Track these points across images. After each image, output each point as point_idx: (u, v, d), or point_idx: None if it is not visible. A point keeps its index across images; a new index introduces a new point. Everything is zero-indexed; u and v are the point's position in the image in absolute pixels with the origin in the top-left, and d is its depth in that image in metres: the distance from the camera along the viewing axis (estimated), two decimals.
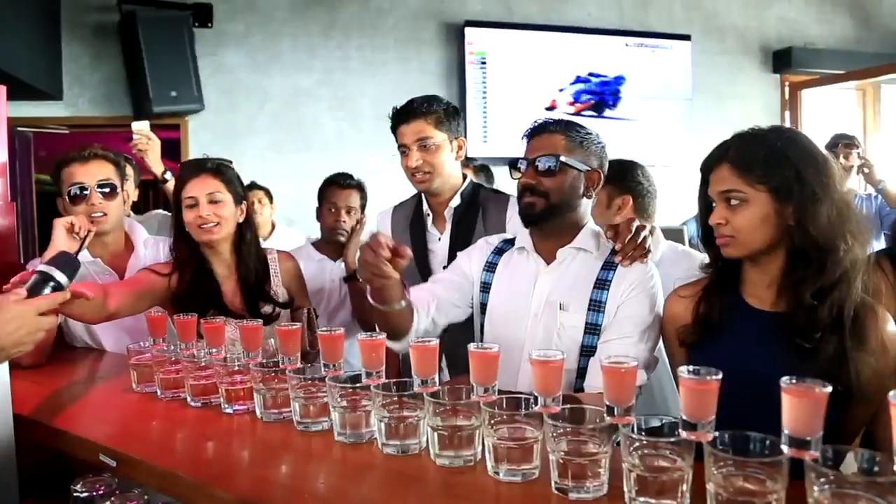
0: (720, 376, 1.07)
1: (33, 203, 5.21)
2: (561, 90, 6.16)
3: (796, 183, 1.51)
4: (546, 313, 1.88)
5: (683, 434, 1.08)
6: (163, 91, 5.01)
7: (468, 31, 5.95)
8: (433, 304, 1.96)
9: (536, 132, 1.94)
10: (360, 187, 3.45)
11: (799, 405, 0.99)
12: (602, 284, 1.85)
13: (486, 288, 2.02)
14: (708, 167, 1.65)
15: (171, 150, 5.39)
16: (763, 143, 1.57)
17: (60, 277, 1.61)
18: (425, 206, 2.45)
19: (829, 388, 0.98)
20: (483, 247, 2.10)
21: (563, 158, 1.86)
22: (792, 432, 1.00)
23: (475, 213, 2.39)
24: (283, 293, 2.39)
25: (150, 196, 5.17)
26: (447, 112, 2.36)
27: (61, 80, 5.22)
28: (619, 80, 6.34)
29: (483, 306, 2.02)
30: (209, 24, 5.40)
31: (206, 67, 5.36)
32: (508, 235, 2.12)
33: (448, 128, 2.35)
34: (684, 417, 1.09)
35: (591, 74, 6.27)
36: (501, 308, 1.98)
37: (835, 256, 1.49)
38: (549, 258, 1.93)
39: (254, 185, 4.01)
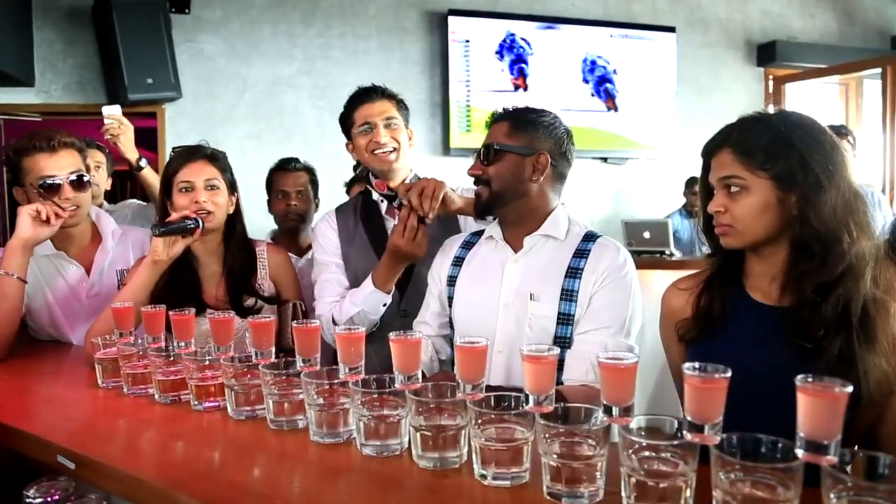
0: (728, 374, 0.99)
1: (4, 192, 5.08)
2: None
3: (800, 170, 1.42)
4: (516, 303, 1.83)
5: (688, 436, 1.00)
6: (138, 78, 4.90)
7: (451, 19, 5.87)
8: (429, 349, 1.98)
9: (490, 124, 1.94)
10: (307, 170, 3.43)
11: (816, 406, 0.91)
12: (574, 273, 1.80)
13: (451, 281, 1.98)
14: (709, 152, 1.56)
15: (148, 138, 5.27)
16: (767, 127, 1.48)
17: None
18: (375, 195, 2.38)
19: (850, 388, 0.90)
20: (447, 247, 2.07)
21: (497, 145, 1.84)
22: (808, 435, 0.91)
23: None
24: (270, 286, 2.31)
25: (124, 187, 5.04)
26: (403, 102, 2.38)
27: (33, 66, 5.09)
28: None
29: (450, 299, 1.97)
30: (186, 10, 5.29)
31: (183, 54, 5.25)
32: (475, 229, 2.09)
33: (405, 115, 2.36)
34: (689, 418, 1.01)
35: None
36: (468, 299, 1.93)
37: (838, 249, 1.40)
38: (517, 247, 1.89)
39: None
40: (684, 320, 1.62)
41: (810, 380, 0.92)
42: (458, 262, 1.99)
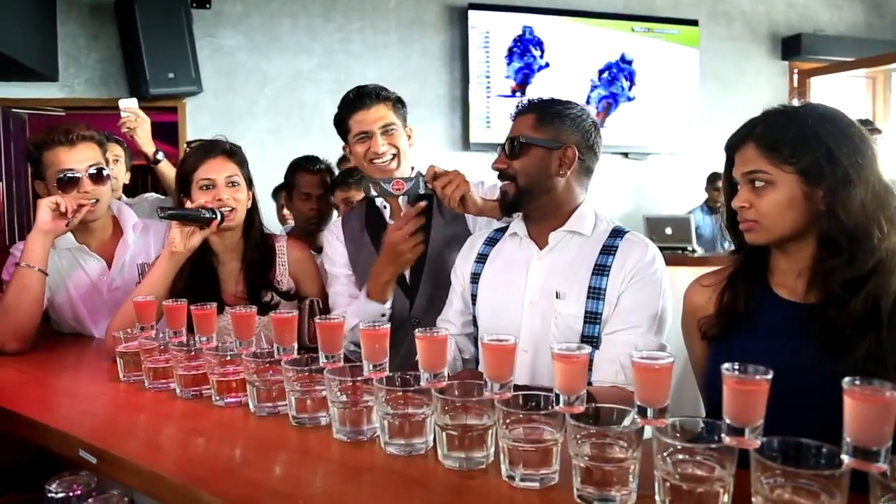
0: (770, 376, 0.95)
1: (29, 185, 5.12)
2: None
3: (828, 164, 1.38)
4: (542, 301, 1.78)
5: (727, 440, 0.97)
6: (160, 73, 4.93)
7: (472, 13, 5.84)
8: (452, 348, 1.93)
9: (514, 116, 1.89)
10: (329, 170, 3.35)
11: (865, 410, 0.86)
12: (601, 270, 1.75)
13: (475, 279, 1.94)
14: (733, 146, 1.53)
15: (169, 133, 5.30)
16: (793, 120, 1.44)
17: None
18: (380, 200, 2.33)
19: None
20: (469, 245, 2.03)
21: (522, 138, 1.79)
22: (856, 441, 0.87)
23: (430, 199, 2.27)
24: (289, 282, 2.29)
25: (144, 181, 5.05)
26: (399, 99, 2.29)
27: (57, 61, 5.14)
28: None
29: (474, 297, 1.94)
30: (207, 5, 5.32)
31: (203, 49, 5.27)
32: (485, 227, 2.06)
33: (402, 115, 2.28)
34: (728, 421, 0.97)
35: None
36: (492, 297, 1.89)
37: (868, 245, 1.37)
38: (542, 243, 1.85)
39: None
40: (707, 317, 1.58)
41: (858, 382, 0.88)
42: (481, 259, 1.95)
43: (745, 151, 1.48)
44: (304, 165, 3.32)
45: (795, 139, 1.41)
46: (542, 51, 6.01)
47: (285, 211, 3.93)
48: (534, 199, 1.81)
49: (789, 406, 1.20)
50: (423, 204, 2.03)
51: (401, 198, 2.24)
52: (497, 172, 1.87)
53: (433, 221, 2.25)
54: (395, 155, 2.22)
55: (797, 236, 1.45)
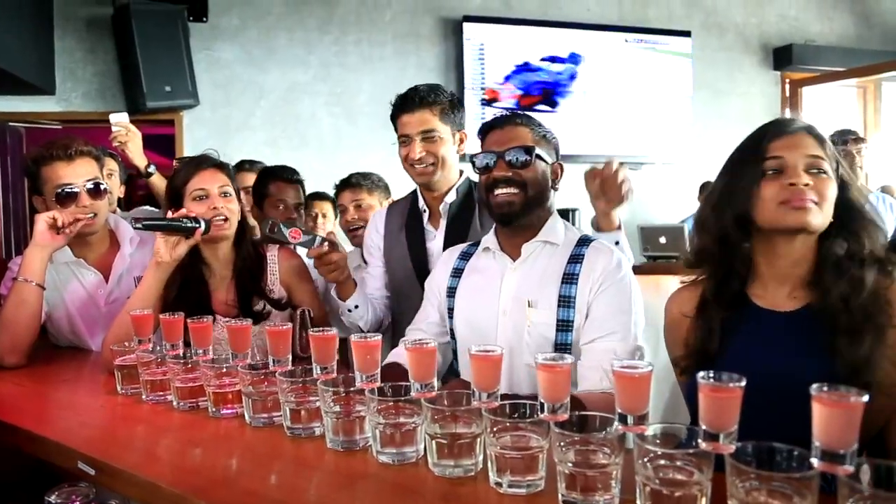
0: (743, 383, 0.99)
1: (25, 199, 5.13)
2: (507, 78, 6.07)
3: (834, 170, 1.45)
4: (514, 311, 1.81)
5: (703, 445, 1.00)
6: (157, 86, 4.95)
7: (466, 25, 5.88)
8: None
9: (500, 124, 1.88)
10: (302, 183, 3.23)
11: (831, 415, 0.90)
12: (570, 279, 1.79)
13: (451, 293, 1.97)
14: (775, 135, 1.46)
15: (166, 145, 5.32)
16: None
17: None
18: (421, 202, 2.36)
19: (866, 397, 0.90)
20: (445, 258, 2.06)
21: (538, 150, 1.82)
22: (824, 444, 0.91)
23: (471, 209, 2.31)
24: (280, 290, 2.31)
25: (135, 192, 5.07)
26: (451, 103, 2.28)
27: (54, 75, 5.15)
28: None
29: (451, 311, 1.96)
30: (204, 19, 5.34)
31: (200, 62, 5.30)
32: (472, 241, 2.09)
33: (452, 120, 2.27)
34: (704, 427, 1.01)
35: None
36: (468, 309, 1.92)
37: (850, 251, 1.42)
38: (515, 255, 1.88)
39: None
40: (681, 356, 1.57)
41: (825, 389, 0.92)
42: (457, 273, 1.98)
43: (801, 137, 1.45)
44: (279, 175, 3.14)
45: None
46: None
47: (250, 220, 3.79)
48: (533, 210, 1.85)
49: (772, 413, 1.23)
50: (325, 247, 2.08)
51: (441, 206, 2.30)
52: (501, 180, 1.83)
53: (470, 229, 2.28)
54: (433, 163, 2.24)
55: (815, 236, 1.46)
